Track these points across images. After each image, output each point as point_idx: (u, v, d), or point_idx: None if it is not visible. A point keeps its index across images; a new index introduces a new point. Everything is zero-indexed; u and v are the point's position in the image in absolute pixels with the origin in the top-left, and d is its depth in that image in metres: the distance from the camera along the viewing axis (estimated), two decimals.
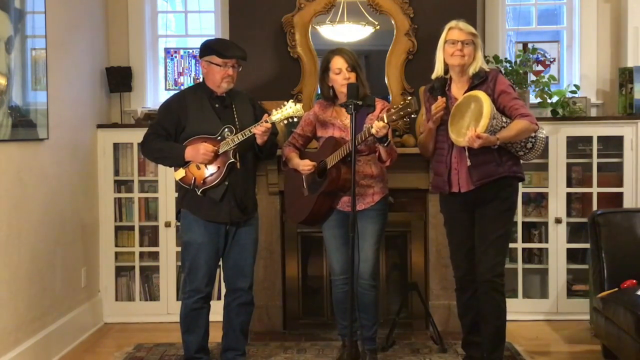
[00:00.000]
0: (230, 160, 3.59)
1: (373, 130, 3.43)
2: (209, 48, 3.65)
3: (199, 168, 3.60)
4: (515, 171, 3.56)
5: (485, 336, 3.63)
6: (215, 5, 5.09)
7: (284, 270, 4.71)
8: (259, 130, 3.53)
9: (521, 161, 3.63)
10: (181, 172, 3.64)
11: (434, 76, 3.66)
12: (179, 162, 3.62)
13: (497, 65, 4.70)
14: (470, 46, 3.53)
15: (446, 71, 3.63)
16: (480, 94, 3.42)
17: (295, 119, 3.63)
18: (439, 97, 3.59)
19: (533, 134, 3.51)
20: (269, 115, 3.57)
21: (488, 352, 3.61)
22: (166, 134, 3.66)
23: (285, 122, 3.61)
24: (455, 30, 3.55)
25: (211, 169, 3.59)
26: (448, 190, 3.62)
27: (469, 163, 3.50)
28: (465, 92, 3.55)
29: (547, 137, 3.62)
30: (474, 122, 3.37)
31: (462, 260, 3.70)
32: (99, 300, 4.87)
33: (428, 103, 3.71)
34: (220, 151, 3.57)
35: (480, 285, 3.59)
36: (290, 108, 3.54)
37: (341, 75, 3.68)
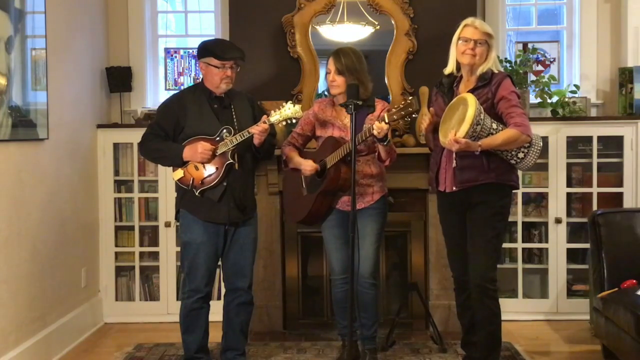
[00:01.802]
0: (229, 161, 3.59)
1: (374, 131, 3.43)
2: (207, 50, 3.64)
3: (197, 168, 3.60)
4: (504, 179, 3.49)
5: (480, 340, 3.62)
6: (215, 5, 5.09)
7: (284, 270, 4.71)
8: (256, 130, 3.53)
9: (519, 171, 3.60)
10: (179, 173, 3.64)
11: (446, 72, 3.61)
12: (177, 162, 3.62)
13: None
14: (483, 46, 3.48)
15: (459, 68, 3.58)
16: (469, 97, 3.35)
17: (294, 121, 3.64)
18: (440, 95, 3.58)
19: (526, 144, 3.44)
20: (268, 116, 3.57)
21: (484, 356, 3.60)
22: (164, 134, 3.66)
23: (284, 123, 3.61)
24: (470, 28, 3.49)
25: (209, 170, 3.59)
26: (436, 187, 3.62)
27: (454, 164, 3.48)
28: (468, 92, 3.52)
29: (542, 147, 3.53)
30: (457, 125, 3.33)
31: (456, 261, 3.69)
32: (99, 300, 4.87)
33: (434, 98, 3.69)
34: (219, 152, 3.57)
35: (472, 290, 3.56)
36: (289, 109, 3.54)
37: (329, 76, 3.71)
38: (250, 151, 3.68)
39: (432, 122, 3.56)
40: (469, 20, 3.53)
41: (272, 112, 3.57)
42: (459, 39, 3.51)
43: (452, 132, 3.30)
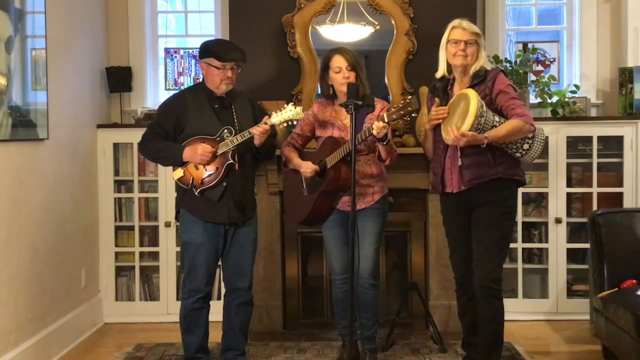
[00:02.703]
0: (229, 162, 3.59)
1: (374, 131, 3.43)
2: (208, 50, 3.65)
3: (197, 168, 3.60)
4: (511, 174, 3.50)
5: (482, 340, 3.61)
6: (215, 5, 5.09)
7: (284, 270, 4.71)
8: (257, 131, 3.53)
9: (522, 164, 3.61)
10: (179, 172, 3.64)
11: (437, 76, 3.62)
12: (177, 162, 3.62)
13: (497, 65, 4.70)
14: (474, 46, 3.47)
15: (450, 71, 3.58)
16: (470, 92, 3.36)
17: (295, 122, 3.64)
18: (437, 99, 3.58)
19: (530, 135, 3.45)
20: (269, 117, 3.57)
21: (485, 356, 3.60)
22: (165, 134, 3.67)
23: (285, 124, 3.61)
24: (458, 29, 3.49)
25: (209, 170, 3.59)
26: (442, 190, 3.61)
27: (460, 163, 3.47)
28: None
29: (545, 138, 3.53)
30: (460, 120, 3.33)
31: (459, 262, 3.68)
32: (99, 300, 4.87)
33: (430, 102, 3.70)
34: (219, 152, 3.57)
35: (477, 290, 3.55)
36: (290, 111, 3.55)
37: (341, 74, 3.68)
38: (251, 151, 3.68)
39: (435, 122, 3.55)
40: (455, 22, 3.53)
41: (274, 113, 3.57)
42: (448, 41, 3.52)
43: (455, 127, 3.30)
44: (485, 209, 3.50)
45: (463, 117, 3.33)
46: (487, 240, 3.50)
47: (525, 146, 3.47)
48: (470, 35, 3.48)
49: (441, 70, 3.59)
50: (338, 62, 3.69)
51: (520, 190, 4.63)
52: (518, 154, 3.49)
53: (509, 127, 3.37)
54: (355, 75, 3.66)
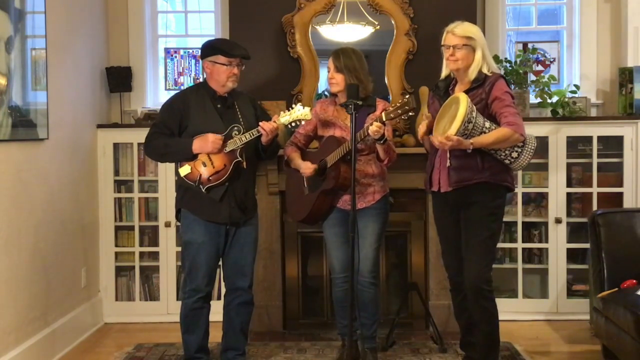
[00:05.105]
0: (237, 159, 3.59)
1: (370, 132, 3.43)
2: (214, 48, 3.65)
3: (205, 165, 3.59)
4: (498, 180, 3.50)
5: (478, 341, 3.62)
6: (215, 5, 5.09)
7: (284, 270, 4.71)
8: (267, 127, 3.53)
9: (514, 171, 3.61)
10: (187, 168, 3.62)
11: (442, 76, 3.65)
12: (187, 154, 3.60)
13: (497, 66, 4.69)
14: (463, 50, 3.48)
15: None
16: (461, 96, 3.37)
17: (302, 122, 3.65)
18: (436, 98, 3.60)
19: (520, 144, 3.45)
20: (278, 116, 3.58)
21: (482, 356, 3.60)
22: (170, 132, 3.66)
23: (293, 124, 3.61)
24: (449, 34, 3.53)
25: (217, 167, 3.58)
26: (430, 188, 3.63)
27: (448, 164, 3.49)
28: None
29: (535, 147, 3.52)
30: (449, 124, 3.35)
31: (451, 261, 3.69)
32: (99, 300, 4.87)
33: (431, 101, 3.72)
34: (228, 149, 3.57)
35: (467, 291, 3.56)
36: (299, 111, 3.56)
37: (329, 74, 3.74)
38: (253, 151, 3.68)
39: (429, 127, 3.58)
40: (449, 26, 3.56)
41: (282, 112, 3.58)
42: (442, 46, 3.56)
43: (443, 130, 3.31)
44: (472, 210, 3.51)
45: (451, 120, 3.35)
46: (475, 241, 3.51)
47: (514, 154, 3.47)
48: (459, 39, 3.49)
49: (444, 72, 3.64)
50: (329, 62, 3.76)
51: (520, 190, 4.68)
52: (507, 161, 3.49)
53: (496, 135, 3.38)
54: (344, 78, 3.67)
